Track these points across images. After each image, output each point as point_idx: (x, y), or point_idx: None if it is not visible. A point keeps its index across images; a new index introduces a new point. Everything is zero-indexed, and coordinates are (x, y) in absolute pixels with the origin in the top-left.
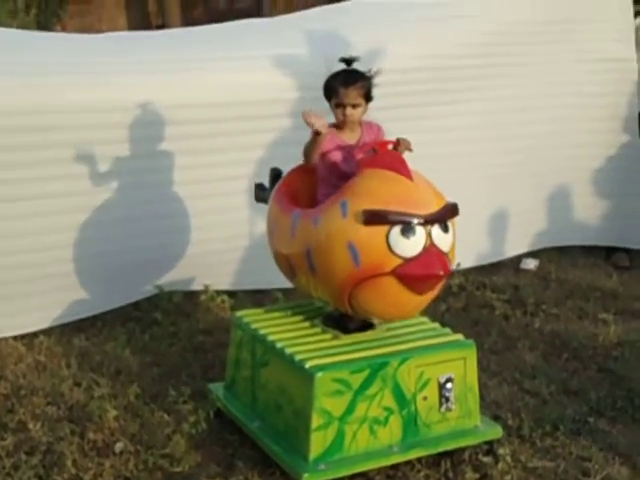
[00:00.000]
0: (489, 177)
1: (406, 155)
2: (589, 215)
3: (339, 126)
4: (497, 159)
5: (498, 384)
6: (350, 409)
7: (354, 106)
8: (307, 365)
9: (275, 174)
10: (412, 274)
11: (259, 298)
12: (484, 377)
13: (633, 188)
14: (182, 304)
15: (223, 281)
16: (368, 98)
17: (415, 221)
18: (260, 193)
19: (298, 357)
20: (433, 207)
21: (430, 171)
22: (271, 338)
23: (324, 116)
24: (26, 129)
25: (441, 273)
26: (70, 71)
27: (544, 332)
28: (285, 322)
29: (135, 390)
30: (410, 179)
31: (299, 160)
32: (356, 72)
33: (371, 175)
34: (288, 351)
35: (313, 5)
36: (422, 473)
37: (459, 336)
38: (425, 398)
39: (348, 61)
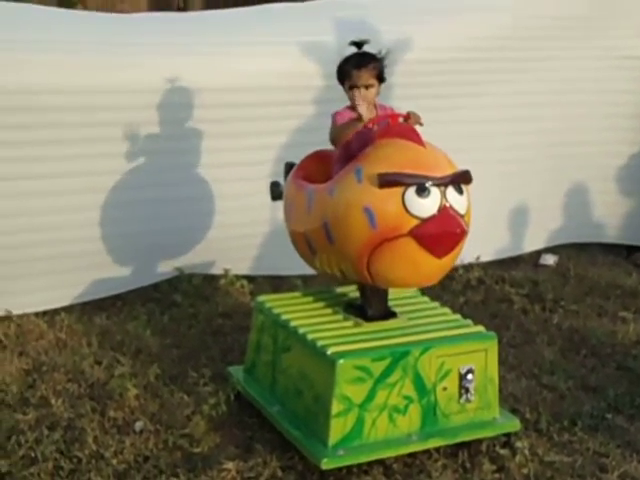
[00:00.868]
0: (508, 171)
1: None
2: (610, 213)
3: (353, 108)
4: (517, 153)
5: (516, 378)
6: (370, 396)
7: (367, 87)
8: (329, 352)
9: (289, 168)
10: (429, 233)
11: (278, 284)
12: (502, 370)
13: None
14: (202, 287)
15: (243, 266)
16: (381, 79)
17: (430, 182)
18: (276, 190)
19: (320, 343)
20: (446, 170)
21: None
22: (293, 324)
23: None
24: (53, 108)
25: (457, 231)
26: (99, 50)
27: (562, 328)
28: (307, 308)
29: (155, 370)
30: (422, 146)
31: (322, 147)
32: (367, 54)
33: (385, 144)
34: (310, 337)
35: None
36: (440, 463)
37: (481, 328)
38: (445, 388)
39: (359, 44)
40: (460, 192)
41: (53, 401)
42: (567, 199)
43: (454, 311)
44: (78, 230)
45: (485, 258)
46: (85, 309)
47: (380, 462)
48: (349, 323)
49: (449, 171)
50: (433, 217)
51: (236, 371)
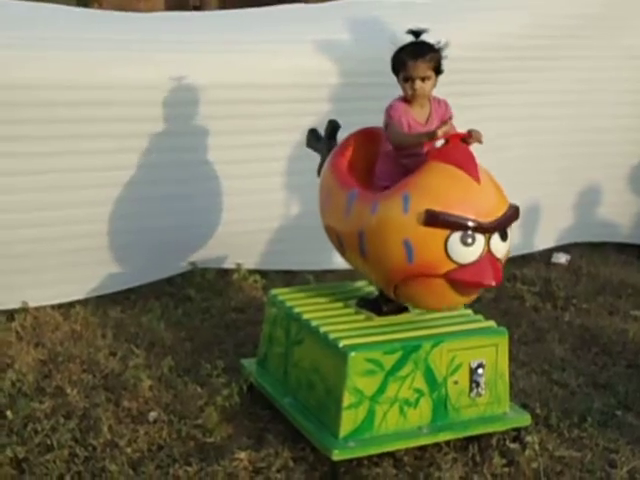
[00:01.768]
0: (522, 169)
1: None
2: (622, 212)
3: (408, 101)
4: (532, 151)
5: (527, 374)
6: (381, 389)
7: (423, 79)
8: (341, 344)
9: (333, 127)
10: (464, 280)
11: (290, 279)
12: (513, 366)
13: None
14: (215, 281)
15: (255, 261)
16: (438, 71)
17: (476, 229)
18: (313, 140)
19: (332, 336)
20: (496, 213)
21: None
22: (306, 317)
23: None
24: (67, 104)
25: (493, 283)
26: (114, 47)
27: (574, 326)
28: (319, 302)
29: (169, 362)
30: (477, 180)
31: None
32: (425, 44)
33: (438, 170)
34: (322, 330)
35: None
36: (450, 456)
37: (492, 323)
38: (456, 382)
39: (416, 33)
40: (504, 238)
41: (69, 391)
42: (580, 198)
43: (465, 307)
44: (93, 225)
45: None
46: (100, 302)
47: (390, 454)
48: (361, 317)
49: (500, 211)
50: (472, 264)
51: (249, 363)
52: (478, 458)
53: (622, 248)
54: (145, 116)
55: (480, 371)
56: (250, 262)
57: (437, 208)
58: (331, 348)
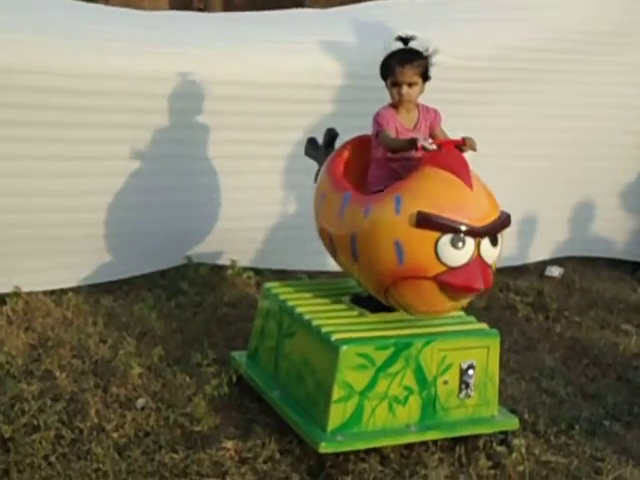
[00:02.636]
0: (518, 180)
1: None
2: (617, 228)
3: (395, 106)
4: (528, 163)
5: (516, 381)
6: (371, 385)
7: (410, 85)
8: (333, 338)
9: (331, 135)
10: (453, 283)
11: (284, 277)
12: (503, 374)
13: None
14: (208, 276)
15: (250, 258)
16: (425, 77)
17: (467, 232)
18: (311, 149)
19: (325, 330)
20: (487, 219)
21: None
22: (299, 310)
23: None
24: (70, 91)
25: (482, 288)
26: (120, 39)
27: (565, 337)
28: (313, 296)
29: (159, 352)
30: (469, 186)
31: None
32: (413, 51)
33: (431, 175)
34: (315, 323)
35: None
36: (436, 456)
37: (484, 325)
38: (446, 382)
39: (405, 40)
40: (494, 244)
41: (57, 374)
42: (575, 212)
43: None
44: (89, 213)
45: None
46: (92, 291)
47: (377, 451)
48: (354, 312)
49: (491, 217)
50: (461, 267)
51: (239, 356)
52: (464, 459)
53: (615, 264)
54: (144, 108)
55: (470, 372)
56: (245, 259)
57: (429, 210)
58: (323, 341)
